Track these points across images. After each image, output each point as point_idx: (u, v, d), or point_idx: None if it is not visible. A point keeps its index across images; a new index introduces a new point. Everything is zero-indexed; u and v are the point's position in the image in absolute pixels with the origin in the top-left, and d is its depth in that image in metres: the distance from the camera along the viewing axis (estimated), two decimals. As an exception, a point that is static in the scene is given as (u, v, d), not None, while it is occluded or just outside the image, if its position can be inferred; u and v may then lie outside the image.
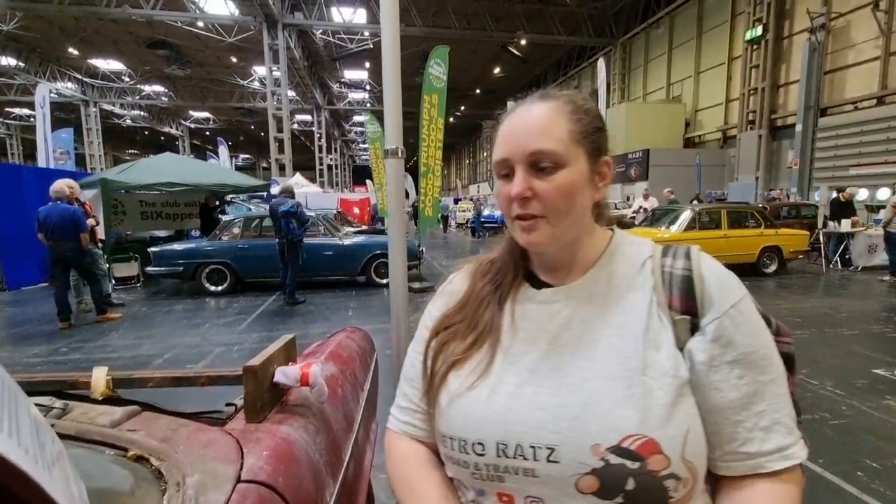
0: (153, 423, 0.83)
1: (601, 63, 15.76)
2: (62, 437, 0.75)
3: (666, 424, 0.48)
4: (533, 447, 0.51)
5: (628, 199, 16.12)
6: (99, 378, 0.91)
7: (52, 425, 0.76)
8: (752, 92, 14.52)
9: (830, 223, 8.73)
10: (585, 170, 0.57)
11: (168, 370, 0.99)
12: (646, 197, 10.80)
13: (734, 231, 7.65)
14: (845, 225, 8.41)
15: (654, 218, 8.49)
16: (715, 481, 0.55)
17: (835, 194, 9.09)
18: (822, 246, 8.69)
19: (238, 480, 0.71)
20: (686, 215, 7.69)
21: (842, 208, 8.76)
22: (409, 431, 0.66)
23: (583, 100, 0.59)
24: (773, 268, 7.87)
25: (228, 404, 0.99)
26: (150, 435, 0.78)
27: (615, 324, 0.55)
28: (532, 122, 0.56)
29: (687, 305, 0.54)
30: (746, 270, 7.86)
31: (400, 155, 1.57)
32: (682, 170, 15.75)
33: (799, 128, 12.57)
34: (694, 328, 0.53)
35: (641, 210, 10.28)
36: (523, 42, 19.87)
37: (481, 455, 0.53)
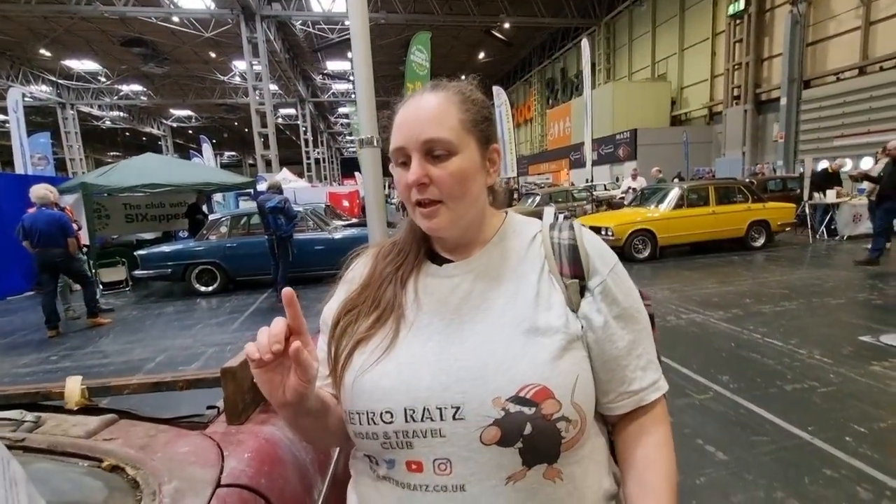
0: (130, 431, 0.81)
1: (585, 43, 15.56)
2: (33, 451, 0.73)
3: (557, 374, 0.54)
4: (439, 408, 0.54)
5: (617, 179, 16.15)
6: (73, 388, 0.89)
7: (23, 440, 0.74)
8: (736, 67, 14.50)
9: (816, 194, 8.81)
10: (477, 157, 0.61)
11: (145, 376, 0.97)
12: (634, 177, 10.82)
13: (722, 207, 7.70)
14: (830, 196, 8.50)
15: (643, 197, 8.52)
16: (612, 427, 0.65)
17: (810, 166, 9.17)
18: (808, 217, 8.79)
19: (218, 485, 0.69)
20: (674, 193, 7.72)
21: (826, 179, 8.85)
22: None
23: (471, 90, 0.63)
24: (761, 241, 7.96)
25: (210, 407, 0.97)
26: (127, 443, 0.77)
27: (510, 291, 0.60)
28: (425, 111, 0.59)
29: (575, 270, 0.61)
30: (735, 245, 7.96)
31: (375, 144, 1.54)
32: (670, 148, 15.77)
33: (783, 101, 12.61)
34: (582, 290, 0.61)
35: (630, 190, 10.29)
36: (507, 25, 19.62)
37: (389, 423, 0.55)
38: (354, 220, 9.52)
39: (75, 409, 0.89)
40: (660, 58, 18.78)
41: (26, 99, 16.86)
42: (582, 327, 0.59)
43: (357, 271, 0.71)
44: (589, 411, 0.57)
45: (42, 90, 22.14)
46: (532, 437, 0.53)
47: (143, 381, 0.95)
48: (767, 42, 13.96)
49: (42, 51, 19.49)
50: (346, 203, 15.02)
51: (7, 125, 13.69)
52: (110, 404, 1.03)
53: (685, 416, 2.62)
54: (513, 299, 0.59)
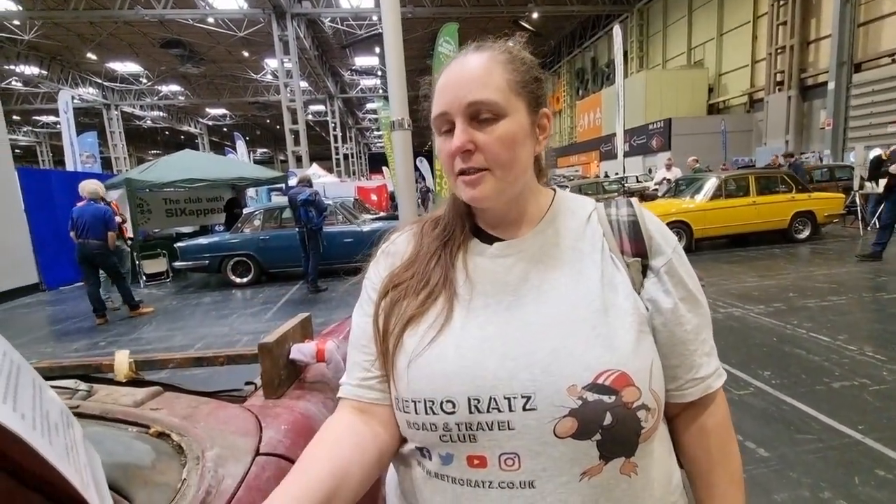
0: (174, 402, 0.85)
1: (617, 30, 15.13)
2: (88, 416, 0.77)
3: (633, 359, 0.51)
4: (508, 398, 0.50)
5: (650, 171, 15.67)
6: (122, 361, 0.93)
7: (78, 406, 0.78)
8: (779, 51, 13.77)
9: (867, 184, 8.28)
10: (526, 121, 0.56)
11: (188, 351, 1.01)
12: (668, 167, 10.42)
13: (763, 198, 7.35)
14: (883, 185, 7.97)
15: (678, 188, 8.23)
16: (673, 418, 0.61)
17: (861, 154, 8.60)
18: (858, 208, 8.28)
19: (257, 453, 0.71)
20: (711, 184, 7.42)
21: (880, 167, 8.28)
22: (361, 395, 0.59)
23: (518, 49, 0.58)
24: (805, 233, 7.55)
25: (248, 383, 1.00)
26: (172, 413, 0.80)
27: (572, 272, 0.56)
28: (469, 72, 0.54)
29: (637, 248, 0.58)
30: (777, 237, 7.59)
31: (406, 126, 1.54)
32: (707, 137, 15.18)
33: (831, 86, 11.91)
34: (644, 269, 0.57)
35: (664, 181, 9.95)
36: (535, 15, 19.28)
37: (451, 413, 0.51)
38: (382, 214, 9.64)
39: (124, 381, 0.93)
40: (696, 44, 18.05)
41: (75, 101, 17.80)
42: (647, 309, 0.55)
43: (400, 246, 0.65)
44: (662, 399, 0.54)
45: (89, 92, 23.33)
46: (612, 429, 0.49)
47: (186, 356, 0.98)
48: (814, 23, 13.19)
49: (89, 54, 20.52)
50: (374, 197, 15.19)
51: (58, 126, 14.51)
52: (153, 379, 1.07)
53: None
54: (577, 279, 0.55)
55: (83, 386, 0.86)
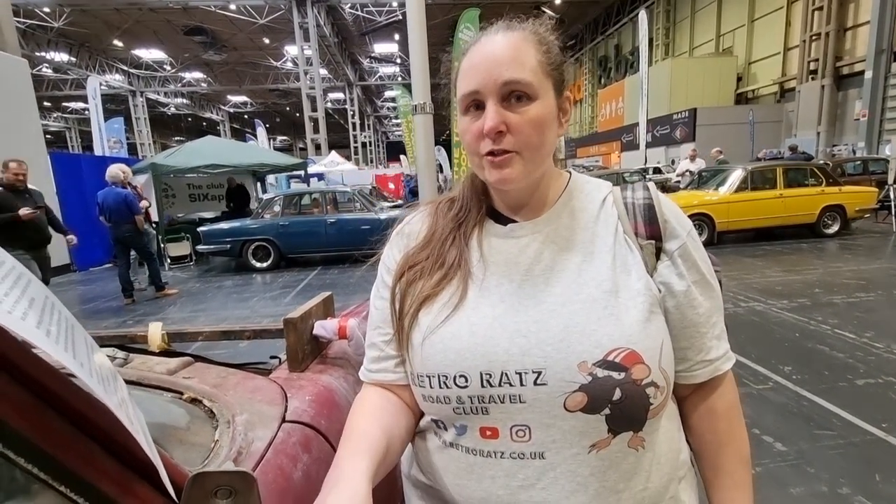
0: (205, 372, 0.89)
1: (642, 16, 14.72)
2: (125, 382, 0.82)
3: (644, 338, 0.52)
4: (519, 373, 0.51)
5: (673, 162, 15.32)
6: (155, 332, 0.97)
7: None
8: (814, 38, 13.21)
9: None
10: (553, 104, 0.56)
11: (216, 325, 1.05)
12: (692, 159, 10.17)
13: (791, 190, 7.13)
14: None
15: (701, 180, 8.03)
16: (682, 399, 0.63)
17: None
18: (892, 203, 7.96)
19: (283, 420, 0.75)
20: (736, 175, 7.22)
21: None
22: (381, 379, 0.62)
23: (546, 31, 0.58)
24: (834, 228, 7.32)
25: (273, 357, 1.04)
26: (203, 381, 0.84)
27: (584, 252, 0.57)
28: (502, 51, 0.53)
29: (651, 231, 0.58)
30: (805, 232, 7.37)
31: (428, 110, 1.54)
32: (734, 128, 14.73)
33: (869, 75, 11.39)
34: (658, 252, 0.58)
35: (687, 173, 9.72)
36: (558, 1, 18.87)
37: (464, 387, 0.53)
38: (399, 202, 9.70)
39: (157, 351, 0.98)
40: (725, 30, 17.43)
41: (102, 87, 18.22)
42: (660, 291, 0.56)
43: (414, 226, 0.66)
44: (672, 378, 0.55)
45: (115, 79, 23.85)
46: (621, 404, 0.50)
47: (214, 329, 1.02)
48: (852, 9, 12.59)
49: (115, 41, 20.93)
50: (391, 185, 15.26)
51: (87, 112, 14.91)
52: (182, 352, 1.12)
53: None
54: (589, 261, 0.56)
55: (120, 354, 0.91)
